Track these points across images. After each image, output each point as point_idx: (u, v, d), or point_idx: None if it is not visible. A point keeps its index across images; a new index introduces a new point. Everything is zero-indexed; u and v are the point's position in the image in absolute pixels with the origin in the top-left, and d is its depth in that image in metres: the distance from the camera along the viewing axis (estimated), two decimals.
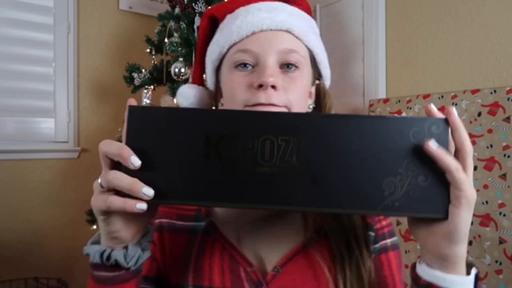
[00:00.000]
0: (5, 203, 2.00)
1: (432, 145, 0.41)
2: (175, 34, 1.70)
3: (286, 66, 0.59)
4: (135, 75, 1.74)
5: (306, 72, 0.61)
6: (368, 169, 0.42)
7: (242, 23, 0.59)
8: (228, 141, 0.42)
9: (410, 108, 1.70)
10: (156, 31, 1.84)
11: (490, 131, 1.43)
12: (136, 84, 1.76)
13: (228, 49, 0.61)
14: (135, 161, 0.42)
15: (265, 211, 0.61)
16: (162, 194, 0.42)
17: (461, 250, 0.45)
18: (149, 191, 0.41)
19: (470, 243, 1.41)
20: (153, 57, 1.84)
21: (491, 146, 1.41)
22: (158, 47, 1.83)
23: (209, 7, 0.69)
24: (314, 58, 0.65)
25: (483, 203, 1.40)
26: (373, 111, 1.85)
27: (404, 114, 1.71)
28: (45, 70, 2.14)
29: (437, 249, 0.44)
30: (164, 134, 0.43)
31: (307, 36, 0.62)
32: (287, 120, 0.42)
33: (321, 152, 0.42)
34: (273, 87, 0.55)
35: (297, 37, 0.60)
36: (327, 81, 0.69)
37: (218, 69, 0.65)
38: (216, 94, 0.68)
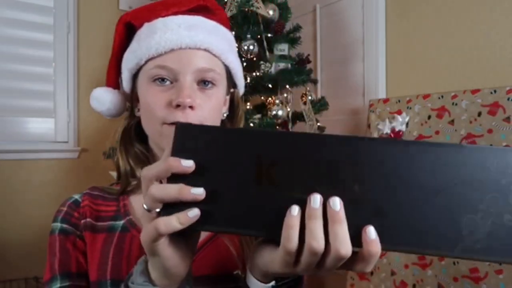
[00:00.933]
0: (5, 203, 2.00)
1: (370, 233, 0.37)
2: None
3: (203, 83, 0.61)
4: None
5: (221, 87, 0.64)
6: (442, 204, 0.37)
7: (161, 39, 0.59)
8: (283, 165, 0.39)
9: (410, 108, 1.70)
10: None
11: (490, 131, 1.43)
12: None
13: (146, 61, 0.61)
14: (188, 163, 0.39)
15: None
16: (209, 220, 0.39)
17: None
18: (199, 190, 0.38)
19: None
20: None
21: (491, 146, 1.41)
22: None
23: (126, 12, 0.69)
24: (230, 72, 0.67)
25: None
26: (373, 111, 1.85)
27: (404, 114, 1.71)
28: (45, 70, 2.14)
29: (275, 270, 0.43)
30: (214, 155, 0.39)
31: (224, 54, 0.64)
32: (348, 145, 0.39)
33: (385, 182, 0.37)
34: (190, 107, 0.58)
35: (214, 55, 0.62)
36: (241, 89, 0.73)
37: (135, 77, 0.66)
38: (132, 98, 0.69)
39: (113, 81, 0.70)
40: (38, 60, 2.11)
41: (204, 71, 0.60)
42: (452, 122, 1.55)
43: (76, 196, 0.69)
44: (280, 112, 1.58)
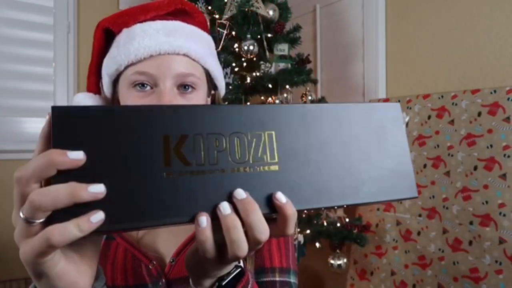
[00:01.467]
0: (5, 203, 2.00)
1: (280, 198, 0.36)
2: None
3: (183, 87, 0.62)
4: None
5: (202, 90, 0.65)
6: (338, 158, 0.40)
7: (140, 45, 0.60)
8: (191, 141, 0.35)
9: (410, 108, 1.70)
10: None
11: (490, 131, 1.43)
12: None
13: (126, 67, 0.62)
14: (76, 155, 0.31)
15: None
16: (116, 217, 0.32)
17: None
18: (98, 187, 0.31)
19: (470, 243, 1.41)
20: None
21: (491, 146, 1.41)
22: None
23: (104, 18, 0.69)
24: (210, 75, 0.68)
25: (483, 203, 1.40)
26: None
27: (404, 114, 1.71)
28: (45, 70, 2.14)
29: (209, 273, 0.42)
30: (107, 140, 0.33)
31: (203, 58, 0.64)
32: (253, 114, 0.38)
33: (296, 143, 0.39)
34: None
35: (194, 60, 0.63)
36: (222, 91, 0.73)
37: (115, 82, 0.66)
38: (114, 103, 0.69)
39: (94, 86, 0.70)
40: (38, 60, 2.11)
41: (183, 76, 0.61)
42: (452, 122, 1.55)
43: None
44: None
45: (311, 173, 0.39)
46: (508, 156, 1.37)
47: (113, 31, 0.66)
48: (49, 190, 0.31)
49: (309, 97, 1.71)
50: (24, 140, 2.07)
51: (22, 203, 0.34)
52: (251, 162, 0.37)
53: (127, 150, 0.33)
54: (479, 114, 1.47)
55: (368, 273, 1.75)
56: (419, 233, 1.57)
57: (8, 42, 2.03)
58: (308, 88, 1.73)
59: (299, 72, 1.64)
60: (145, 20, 0.64)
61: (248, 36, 1.62)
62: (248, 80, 1.70)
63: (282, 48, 1.66)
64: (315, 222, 1.70)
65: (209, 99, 0.70)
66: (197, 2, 1.64)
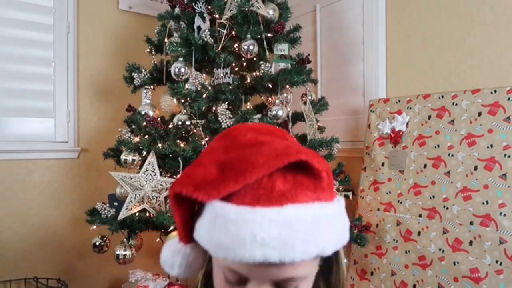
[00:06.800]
0: (5, 203, 2.00)
1: None
2: (175, 34, 1.70)
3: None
4: (135, 75, 1.74)
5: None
6: None
7: (249, 255, 0.44)
8: None
9: (410, 108, 1.70)
10: (156, 31, 1.84)
11: (490, 131, 1.43)
12: (136, 84, 1.76)
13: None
14: None
15: None
16: None
17: None
18: None
19: (470, 243, 1.41)
20: (153, 57, 1.84)
21: (491, 146, 1.41)
22: (158, 47, 1.83)
23: (179, 181, 0.49)
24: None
25: (483, 203, 1.40)
26: (373, 111, 1.85)
27: (404, 114, 1.71)
28: (45, 70, 2.14)
29: None
30: None
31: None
32: None
33: None
34: None
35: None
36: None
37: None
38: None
39: (184, 238, 0.56)
40: (38, 60, 2.11)
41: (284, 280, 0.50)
42: (452, 122, 1.54)
43: None
44: (280, 112, 1.58)
45: None
46: (509, 156, 1.36)
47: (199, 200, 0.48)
48: None
49: (309, 97, 1.71)
50: (24, 140, 2.07)
51: None
52: None
53: None
54: (480, 114, 1.47)
55: (368, 273, 1.75)
56: (419, 233, 1.57)
57: (8, 42, 2.03)
58: (308, 88, 1.73)
59: (299, 72, 1.64)
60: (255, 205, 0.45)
61: (248, 36, 1.62)
62: (248, 80, 1.70)
63: (282, 48, 1.66)
64: None
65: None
66: (197, 2, 1.63)
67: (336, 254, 0.56)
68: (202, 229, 0.49)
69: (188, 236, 0.54)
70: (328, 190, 0.49)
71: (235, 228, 0.44)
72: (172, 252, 0.57)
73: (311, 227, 0.45)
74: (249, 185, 0.45)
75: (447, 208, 1.49)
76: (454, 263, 1.44)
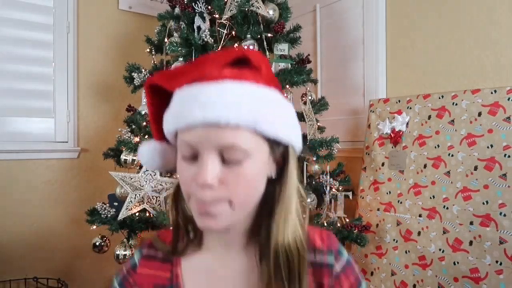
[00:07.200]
0: (5, 203, 2.00)
1: None
2: (175, 34, 1.70)
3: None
4: (135, 75, 1.74)
5: (256, 158, 0.56)
6: None
7: (190, 116, 0.53)
8: None
9: (410, 108, 1.70)
10: (156, 31, 1.84)
11: (490, 131, 1.43)
12: (136, 84, 1.76)
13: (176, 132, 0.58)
14: None
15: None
16: None
17: None
18: None
19: (470, 243, 1.41)
20: (153, 57, 1.84)
21: (491, 146, 1.41)
22: (158, 47, 1.83)
23: (154, 76, 0.62)
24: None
25: (483, 203, 1.40)
26: (373, 111, 1.85)
27: (404, 114, 1.71)
28: (45, 70, 2.14)
29: None
30: None
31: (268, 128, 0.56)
32: None
33: None
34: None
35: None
36: (297, 145, 0.64)
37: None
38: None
39: (157, 133, 0.65)
40: (37, 60, 2.11)
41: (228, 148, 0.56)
42: (452, 122, 1.54)
43: (136, 259, 0.69)
44: None
45: None
46: (509, 156, 1.36)
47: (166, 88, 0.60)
48: None
49: (309, 97, 1.71)
50: (24, 140, 2.07)
51: None
52: None
53: None
54: (480, 114, 1.47)
55: (368, 273, 1.75)
56: (419, 233, 1.57)
57: (8, 42, 2.03)
58: (308, 88, 1.73)
59: (299, 72, 1.64)
60: (200, 79, 0.55)
61: (248, 36, 1.62)
62: None
63: (282, 48, 1.66)
64: (315, 222, 1.70)
65: (271, 158, 0.60)
66: (197, 2, 1.63)
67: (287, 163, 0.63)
68: (167, 116, 0.58)
69: (159, 132, 0.63)
70: (269, 80, 0.59)
71: (184, 99, 0.55)
72: (148, 149, 0.65)
73: (247, 98, 0.53)
74: (203, 76, 0.55)
75: (447, 208, 1.49)
76: (454, 263, 1.44)
